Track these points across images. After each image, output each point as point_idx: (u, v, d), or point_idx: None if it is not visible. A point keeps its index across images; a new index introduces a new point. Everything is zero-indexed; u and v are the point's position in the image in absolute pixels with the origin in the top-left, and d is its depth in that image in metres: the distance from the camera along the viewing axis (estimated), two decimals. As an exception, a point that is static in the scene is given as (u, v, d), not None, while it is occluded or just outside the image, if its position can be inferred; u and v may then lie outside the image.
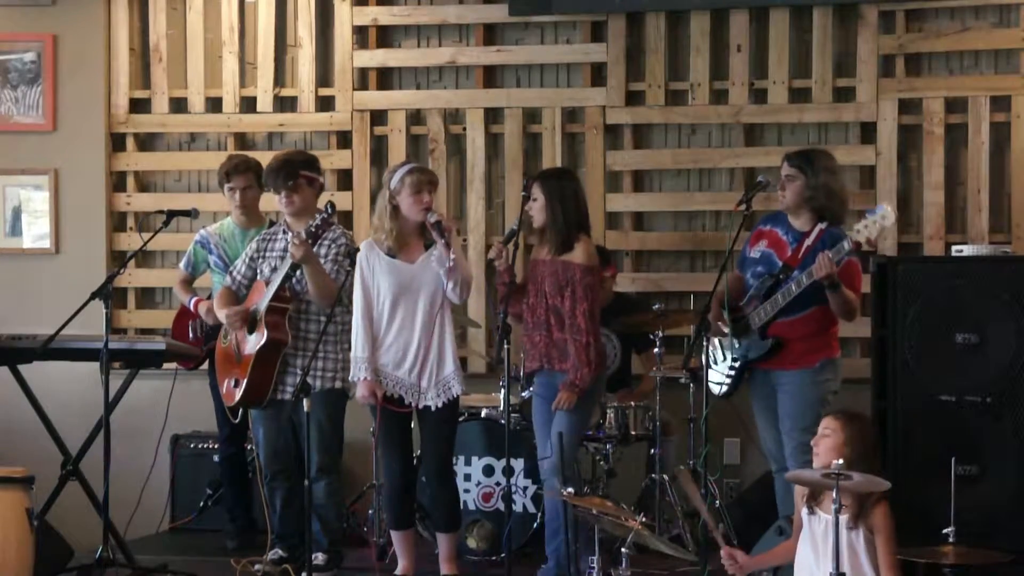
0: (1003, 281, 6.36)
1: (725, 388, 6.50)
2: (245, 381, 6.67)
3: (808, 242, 6.29)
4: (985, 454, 6.25)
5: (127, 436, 7.66)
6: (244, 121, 8.60)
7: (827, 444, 5.30)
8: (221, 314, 6.80)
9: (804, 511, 5.33)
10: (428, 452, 6.61)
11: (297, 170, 6.80)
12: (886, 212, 6.08)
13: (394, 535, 6.69)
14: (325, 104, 8.54)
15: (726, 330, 6.41)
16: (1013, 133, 7.71)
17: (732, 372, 6.44)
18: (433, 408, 6.49)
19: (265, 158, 7.66)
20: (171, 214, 7.13)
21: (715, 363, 6.55)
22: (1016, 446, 6.23)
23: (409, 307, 6.49)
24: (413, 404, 6.50)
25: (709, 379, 6.53)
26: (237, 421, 6.96)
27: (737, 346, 6.42)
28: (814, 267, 6.11)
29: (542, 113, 8.28)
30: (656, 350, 7.35)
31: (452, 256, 6.37)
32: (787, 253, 6.36)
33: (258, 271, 6.82)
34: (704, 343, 6.52)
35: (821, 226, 6.28)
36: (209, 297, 7.37)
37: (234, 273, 6.90)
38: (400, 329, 6.49)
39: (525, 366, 6.70)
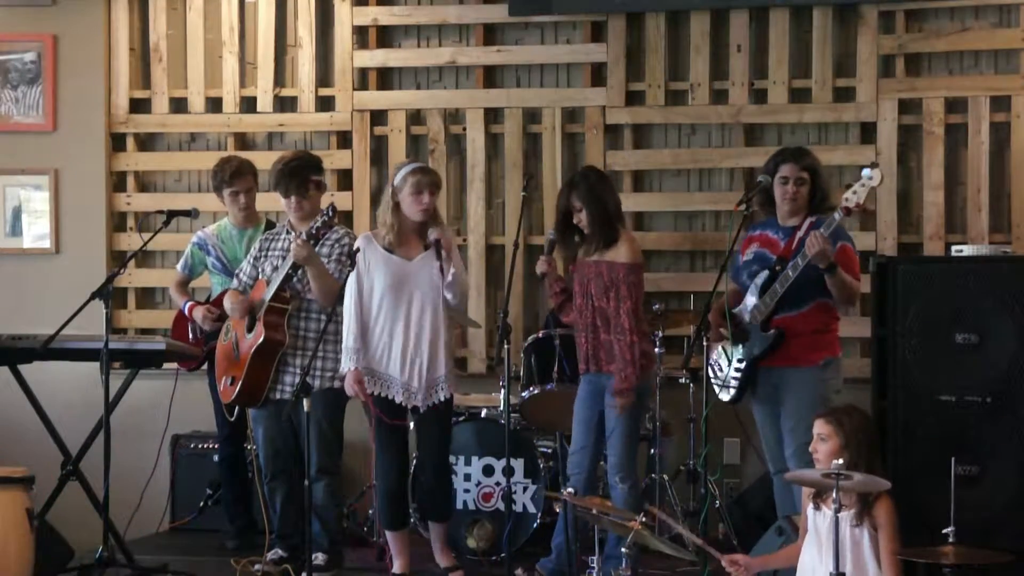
0: (1003, 281, 6.35)
1: (733, 392, 6.46)
2: (241, 380, 6.69)
3: (800, 234, 6.28)
4: (985, 454, 6.24)
5: (127, 436, 7.67)
6: (244, 121, 8.60)
7: (826, 450, 5.30)
8: (227, 303, 6.83)
9: (810, 507, 5.33)
10: (422, 453, 6.70)
11: (308, 176, 6.85)
12: (872, 174, 6.10)
13: (389, 535, 6.74)
14: (325, 104, 8.53)
15: (726, 334, 6.40)
16: (1013, 133, 7.70)
17: (738, 375, 6.41)
18: (422, 409, 6.54)
19: (265, 158, 7.67)
20: (171, 214, 7.13)
21: (720, 371, 6.52)
22: (1016, 446, 6.22)
23: (401, 303, 6.52)
24: (405, 404, 6.54)
25: (718, 386, 6.52)
26: (233, 419, 6.98)
27: (741, 348, 6.41)
28: (806, 245, 6.10)
29: (542, 113, 8.28)
30: (656, 350, 7.35)
31: (451, 272, 6.44)
32: (780, 248, 6.36)
33: (260, 270, 6.85)
34: (704, 343, 6.52)
35: (811, 219, 6.29)
36: (207, 300, 7.38)
37: (240, 275, 6.95)
38: (389, 324, 6.52)
39: (579, 368, 6.63)
